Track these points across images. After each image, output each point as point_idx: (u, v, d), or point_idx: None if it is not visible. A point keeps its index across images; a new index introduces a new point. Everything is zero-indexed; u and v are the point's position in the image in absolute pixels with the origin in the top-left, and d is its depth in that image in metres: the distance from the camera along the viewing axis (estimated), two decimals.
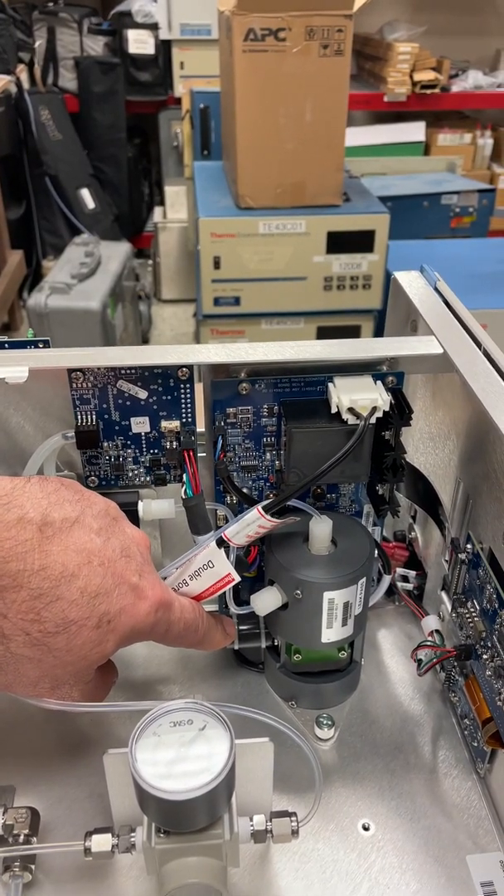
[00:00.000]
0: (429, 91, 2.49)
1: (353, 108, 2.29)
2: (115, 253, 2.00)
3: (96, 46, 2.48)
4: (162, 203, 2.53)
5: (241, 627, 0.48)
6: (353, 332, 1.71)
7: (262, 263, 1.61)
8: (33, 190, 2.44)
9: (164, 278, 2.52)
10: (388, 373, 0.43)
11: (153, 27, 2.40)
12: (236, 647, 0.48)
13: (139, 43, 2.42)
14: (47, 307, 1.74)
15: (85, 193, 2.44)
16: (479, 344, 0.43)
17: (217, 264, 1.61)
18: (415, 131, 2.55)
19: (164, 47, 2.44)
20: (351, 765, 0.44)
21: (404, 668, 0.49)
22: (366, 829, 0.40)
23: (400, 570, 0.53)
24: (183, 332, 2.39)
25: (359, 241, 1.61)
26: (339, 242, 1.60)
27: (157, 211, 2.51)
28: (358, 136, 2.42)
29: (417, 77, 2.47)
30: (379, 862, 0.39)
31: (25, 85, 2.40)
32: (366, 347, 0.43)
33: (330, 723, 0.45)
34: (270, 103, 1.47)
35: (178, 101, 2.42)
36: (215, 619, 0.42)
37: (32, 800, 0.40)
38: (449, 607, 0.46)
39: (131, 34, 2.41)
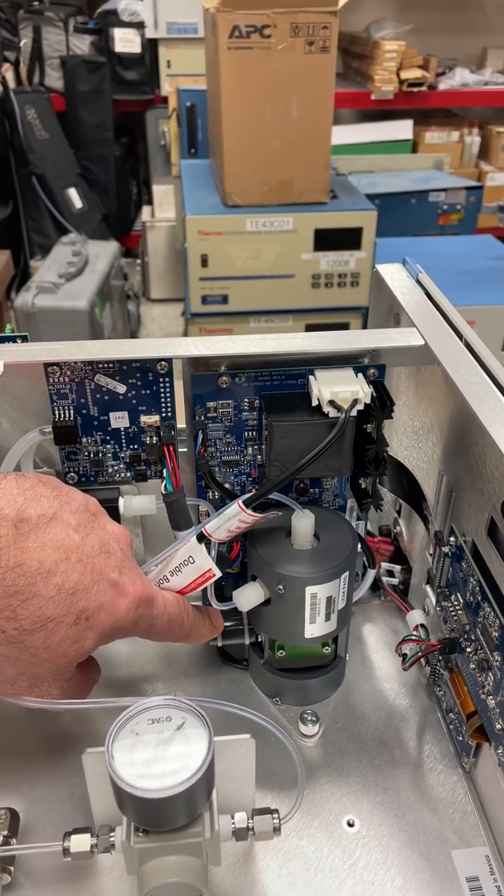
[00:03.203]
0: (416, 89, 2.49)
1: (341, 106, 2.30)
2: (103, 252, 1.99)
3: (82, 45, 2.47)
4: (150, 202, 2.52)
5: (225, 624, 0.48)
6: (342, 330, 1.71)
7: (249, 261, 1.60)
8: (20, 189, 2.42)
9: (152, 277, 2.51)
10: (369, 365, 0.42)
11: (139, 26, 2.39)
12: (220, 644, 0.48)
13: (125, 42, 2.41)
14: (34, 307, 1.73)
15: (72, 193, 2.43)
16: (460, 335, 0.43)
17: (204, 262, 1.60)
18: (402, 129, 2.55)
19: (151, 46, 2.43)
20: (336, 761, 0.43)
21: (390, 662, 0.49)
22: (350, 825, 0.40)
23: (385, 565, 0.53)
24: (172, 331, 2.38)
25: (346, 239, 1.60)
26: (327, 240, 1.60)
27: (146, 210, 2.50)
28: (345, 134, 2.42)
29: (404, 75, 2.47)
30: (364, 858, 0.39)
31: (11, 84, 2.38)
32: (347, 339, 0.42)
33: (314, 719, 0.44)
34: (256, 101, 1.46)
35: (165, 99, 2.41)
36: (202, 612, 0.42)
37: (12, 800, 0.40)
38: (433, 601, 0.45)
39: (117, 33, 2.40)
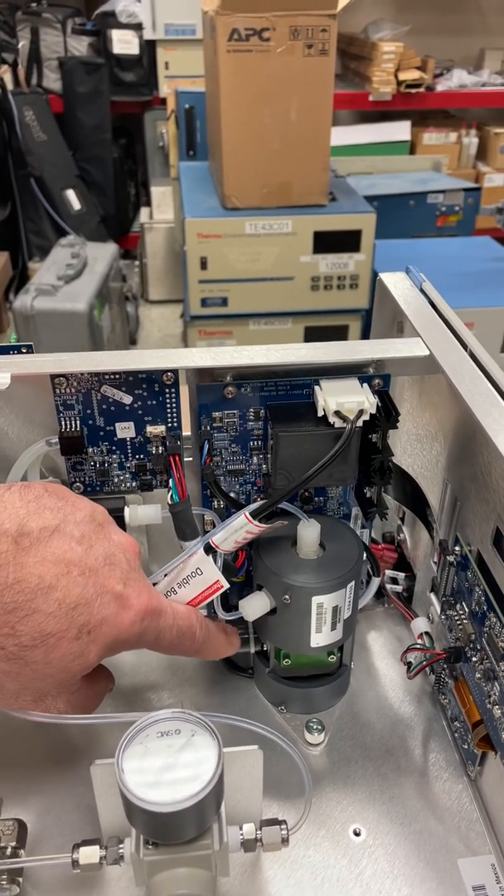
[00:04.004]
0: (414, 90, 2.49)
1: (339, 107, 2.30)
2: (102, 254, 1.99)
3: (80, 47, 2.46)
4: (148, 203, 2.52)
5: None
6: (341, 332, 1.71)
7: (248, 264, 1.61)
8: (18, 191, 2.42)
9: (151, 279, 2.51)
10: (374, 375, 0.42)
11: (137, 27, 2.39)
12: None
13: (123, 43, 2.41)
14: (33, 309, 1.73)
15: (70, 194, 2.43)
16: (464, 345, 0.43)
17: (204, 265, 1.60)
18: (400, 130, 2.56)
19: (149, 47, 2.44)
20: (341, 769, 0.43)
21: (395, 670, 0.49)
22: (357, 834, 0.40)
23: (389, 573, 0.53)
24: (171, 333, 2.38)
25: (345, 241, 1.61)
26: (326, 242, 1.60)
27: (144, 211, 2.50)
28: (343, 135, 2.43)
29: (402, 76, 2.47)
30: (370, 867, 0.39)
31: (9, 86, 2.38)
32: (352, 350, 0.42)
33: (320, 727, 0.44)
34: (255, 103, 1.46)
35: (164, 101, 2.41)
36: (218, 628, 0.41)
37: (20, 812, 0.40)
38: (438, 609, 0.46)
39: (115, 34, 2.40)
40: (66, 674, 0.33)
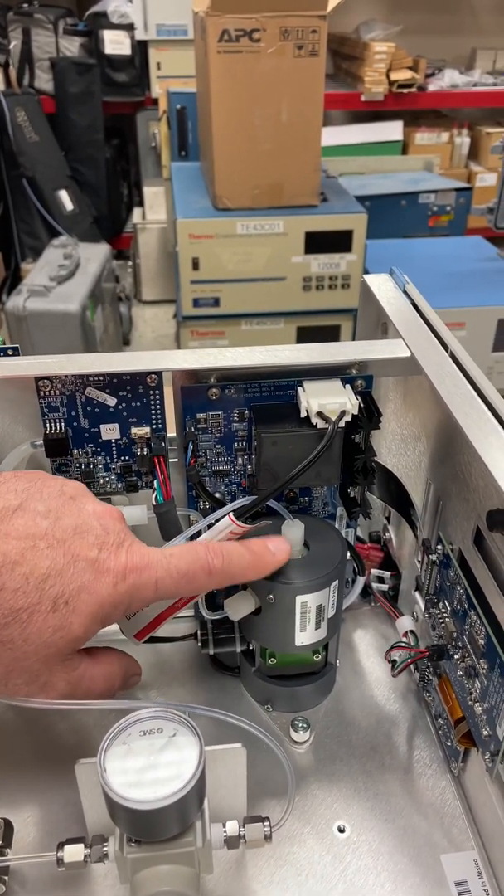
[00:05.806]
0: (406, 90, 2.50)
1: (331, 107, 2.31)
2: (94, 254, 1.99)
3: (72, 47, 2.46)
4: (141, 204, 2.52)
5: (216, 632, 0.48)
6: (333, 332, 1.71)
7: (240, 264, 1.61)
8: (11, 192, 2.42)
9: (144, 279, 2.51)
10: (357, 376, 0.43)
11: (129, 28, 2.39)
12: (211, 651, 0.48)
13: (115, 43, 2.42)
14: (26, 310, 1.73)
15: (63, 195, 2.43)
16: (446, 346, 0.43)
17: (196, 265, 1.60)
18: (392, 130, 2.56)
19: (141, 48, 2.44)
20: (327, 767, 0.44)
21: (380, 669, 0.50)
22: (341, 830, 0.40)
23: (375, 571, 0.53)
24: (164, 333, 2.39)
25: (337, 241, 1.61)
26: (318, 242, 1.60)
27: (137, 212, 2.50)
28: (335, 135, 2.43)
29: (394, 76, 2.48)
30: (354, 863, 0.39)
31: (1, 86, 2.38)
32: (334, 352, 0.43)
33: (305, 725, 0.45)
34: (246, 104, 1.47)
35: (156, 101, 2.41)
36: (253, 545, 0.38)
37: (6, 811, 0.40)
38: (422, 607, 0.46)
39: (107, 35, 2.40)
40: (50, 649, 0.33)
